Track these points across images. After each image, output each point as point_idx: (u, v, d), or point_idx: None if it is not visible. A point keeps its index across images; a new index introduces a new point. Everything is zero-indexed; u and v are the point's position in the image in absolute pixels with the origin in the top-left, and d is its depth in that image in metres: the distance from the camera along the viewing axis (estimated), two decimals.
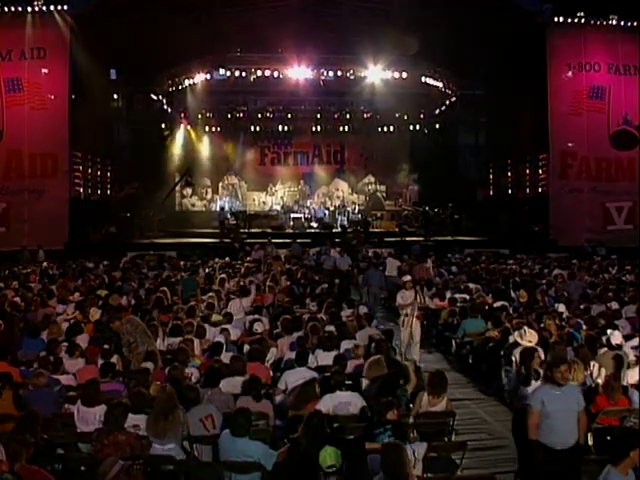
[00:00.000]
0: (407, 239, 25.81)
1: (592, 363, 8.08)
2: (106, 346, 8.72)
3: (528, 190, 28.11)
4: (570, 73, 24.74)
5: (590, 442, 6.92)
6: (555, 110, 24.64)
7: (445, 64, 27.56)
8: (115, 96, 28.50)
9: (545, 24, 23.89)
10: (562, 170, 24.97)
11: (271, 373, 8.38)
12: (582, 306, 11.71)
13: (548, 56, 24.31)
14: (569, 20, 24.27)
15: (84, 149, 25.33)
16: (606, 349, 8.47)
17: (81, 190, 25.73)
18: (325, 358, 8.55)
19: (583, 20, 24.45)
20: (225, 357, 8.37)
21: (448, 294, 13.77)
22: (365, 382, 7.61)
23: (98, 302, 11.93)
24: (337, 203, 31.67)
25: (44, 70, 23.15)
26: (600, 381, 7.74)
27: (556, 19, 24.03)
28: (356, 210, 30.86)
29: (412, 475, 5.16)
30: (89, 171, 26.73)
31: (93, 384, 6.94)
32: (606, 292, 13.10)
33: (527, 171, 28.29)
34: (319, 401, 6.85)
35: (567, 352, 8.49)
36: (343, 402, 6.93)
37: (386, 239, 25.86)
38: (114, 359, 8.48)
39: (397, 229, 27.82)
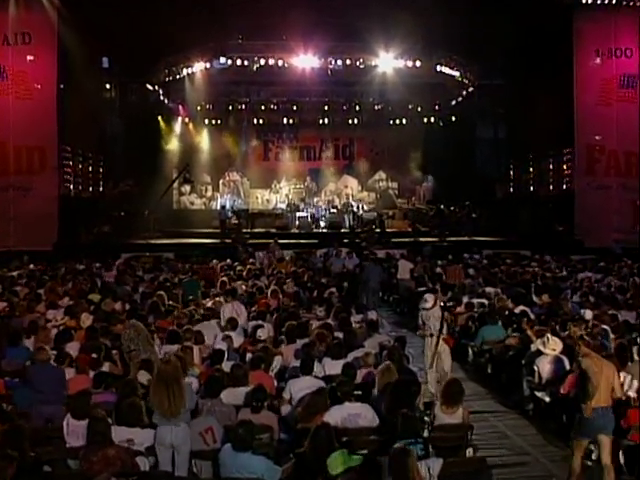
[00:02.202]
0: (421, 239, 25.80)
1: (622, 374, 8.03)
2: (94, 355, 8.73)
3: (551, 187, 28.01)
4: (598, 60, 24.52)
5: (621, 461, 6.89)
6: (581, 100, 24.47)
7: (462, 51, 27.44)
8: (107, 86, 28.51)
9: (571, 6, 23.74)
10: (588, 165, 24.83)
11: (275, 383, 8.39)
12: (610, 312, 11.66)
13: (574, 41, 24.14)
14: (598, 1, 23.95)
15: (74, 143, 25.35)
16: (638, 359, 8.44)
17: (71, 187, 25.76)
18: (333, 367, 8.55)
19: (614, 1, 24.12)
20: (226, 366, 8.38)
21: (465, 299, 13.77)
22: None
23: (90, 307, 11.96)
24: (346, 201, 31.62)
25: (30, 57, 23.07)
26: (632, 394, 7.70)
27: (584, 0, 23.77)
28: (365, 208, 30.82)
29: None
30: (80, 166, 26.76)
31: (84, 395, 6.95)
32: (638, 297, 13.05)
33: (550, 166, 28.18)
34: (331, 408, 6.86)
35: None
36: (352, 414, 6.93)
37: (398, 239, 25.82)
38: (106, 367, 8.50)
39: (410, 229, 27.80)
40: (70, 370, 8.51)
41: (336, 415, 6.85)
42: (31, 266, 18.92)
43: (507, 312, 12.22)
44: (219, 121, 32.23)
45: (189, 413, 6.54)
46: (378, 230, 27.23)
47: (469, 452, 7.05)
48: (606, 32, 24.35)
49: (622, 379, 7.92)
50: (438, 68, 27.23)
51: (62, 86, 23.36)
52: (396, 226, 29.26)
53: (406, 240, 25.76)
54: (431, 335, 10.35)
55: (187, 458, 6.49)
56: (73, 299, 13.07)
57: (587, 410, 6.81)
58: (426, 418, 7.18)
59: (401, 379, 7.33)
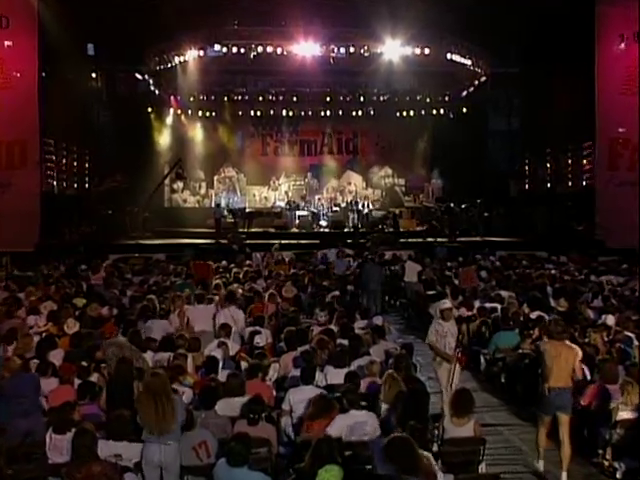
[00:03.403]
0: (429, 240, 25.81)
1: None
2: (84, 363, 8.73)
3: (570, 183, 28.00)
4: (623, 45, 24.32)
5: None
6: (603, 89, 24.33)
7: (474, 38, 27.38)
8: (93, 75, 28.55)
9: None
10: (611, 160, 24.75)
11: (274, 392, 8.40)
12: (634, 318, 11.64)
13: (596, 25, 23.98)
14: None
15: (58, 136, 25.38)
16: None
17: (54, 183, 25.80)
18: (336, 376, 8.55)
19: None
20: (222, 375, 8.37)
21: (477, 303, 13.74)
22: (384, 406, 7.59)
23: (75, 312, 11.95)
24: (349, 199, 31.62)
25: (7, 43, 23.06)
26: None
27: None
28: (370, 206, 30.82)
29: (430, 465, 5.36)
30: (64, 161, 26.80)
31: (67, 407, 6.95)
32: None
33: (569, 161, 28.18)
34: (336, 418, 6.87)
35: (618, 371, 8.46)
36: (359, 422, 6.99)
37: (404, 240, 25.84)
38: (94, 378, 8.49)
39: (423, 228, 27.86)
40: (53, 380, 8.49)
41: (342, 424, 6.90)
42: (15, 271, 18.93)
43: (522, 318, 12.20)
44: (213, 113, 32.23)
45: (179, 430, 6.52)
46: (391, 230, 27.22)
47: (482, 468, 7.05)
48: (631, 15, 24.12)
49: None
50: (448, 56, 27.14)
51: (44, 74, 23.36)
52: (403, 226, 29.25)
53: (412, 241, 25.78)
54: (447, 360, 9.64)
55: (177, 476, 6.50)
56: (56, 304, 13.05)
57: (545, 390, 7.97)
58: (435, 431, 7.17)
59: (414, 388, 7.34)
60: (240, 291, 14.38)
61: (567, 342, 8.48)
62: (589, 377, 8.97)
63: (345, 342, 9.82)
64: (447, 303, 10.41)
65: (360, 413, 7.12)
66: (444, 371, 9.62)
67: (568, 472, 7.89)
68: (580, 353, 8.32)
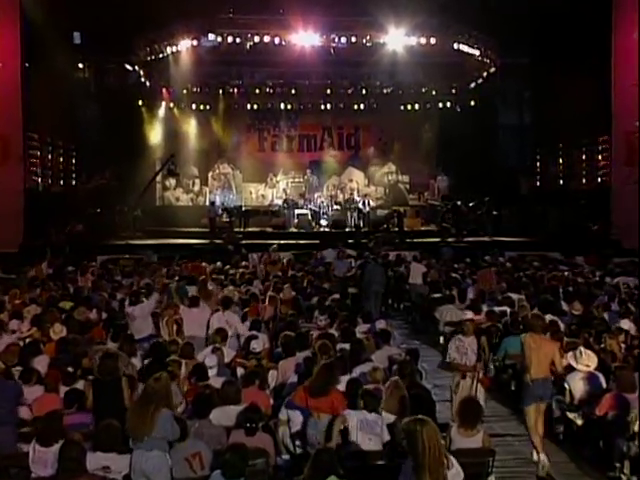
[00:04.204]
0: (434, 240, 25.81)
1: None
2: (70, 369, 8.70)
3: (584, 180, 28.02)
4: None
5: None
6: (620, 81, 24.25)
7: (482, 27, 27.40)
8: (80, 65, 28.56)
9: None
10: (628, 156, 24.68)
11: (271, 401, 8.39)
12: None
13: (613, 12, 23.97)
14: None
15: (42, 130, 25.38)
16: None
17: (39, 180, 25.81)
18: None
19: None
20: (217, 382, 8.37)
21: (484, 307, 13.73)
22: (385, 414, 7.59)
23: (61, 316, 11.92)
24: (350, 197, 31.61)
25: None
26: None
27: None
28: (372, 204, 30.82)
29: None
30: (49, 157, 26.83)
31: (53, 417, 6.92)
32: None
33: (583, 157, 28.20)
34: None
35: (635, 379, 8.45)
36: (370, 420, 7.15)
37: (412, 240, 25.86)
38: (80, 385, 8.47)
39: (428, 227, 27.83)
40: (38, 388, 8.47)
41: (354, 417, 7.10)
42: None
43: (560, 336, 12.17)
44: (208, 106, 32.24)
45: (166, 442, 6.48)
46: (396, 229, 27.22)
47: None
48: None
49: None
50: (455, 46, 27.14)
51: (27, 65, 23.32)
52: (408, 225, 29.26)
53: (417, 241, 25.79)
54: (463, 377, 9.32)
55: None
56: (41, 307, 13.03)
57: (529, 381, 8.63)
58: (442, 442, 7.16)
59: (417, 393, 7.36)
60: (236, 294, 14.38)
61: (547, 336, 9.34)
62: (605, 385, 8.95)
63: (346, 347, 9.80)
64: (468, 314, 10.18)
65: (371, 415, 7.24)
66: (461, 396, 8.94)
67: (544, 455, 8.48)
68: (558, 347, 9.04)
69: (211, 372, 8.86)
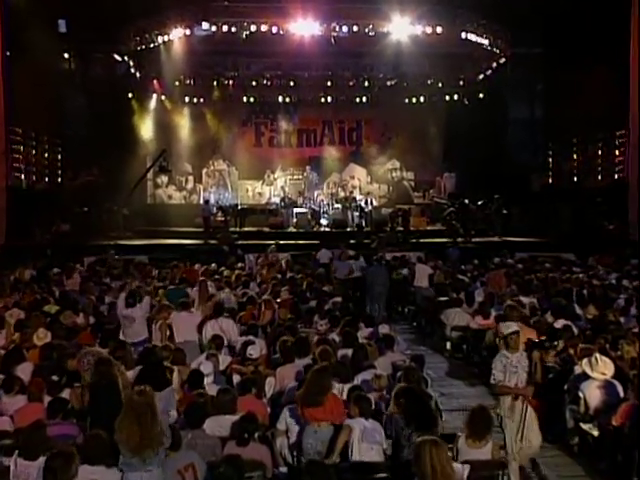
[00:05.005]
0: (440, 240, 25.82)
1: None
2: (55, 377, 8.68)
3: (600, 177, 28.06)
4: None
5: None
6: (639, 71, 24.28)
7: (492, 14, 27.41)
8: (66, 55, 28.57)
9: None
10: None
11: (269, 410, 8.39)
12: None
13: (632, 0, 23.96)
14: None
15: (26, 124, 25.38)
16: None
17: (22, 177, 25.82)
18: (338, 392, 8.52)
19: None
20: (213, 390, 8.35)
21: (493, 311, 13.74)
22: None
23: (45, 321, 11.90)
24: (352, 195, 31.64)
25: None
26: None
27: None
28: (375, 203, 30.84)
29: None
30: (33, 152, 26.83)
31: (37, 429, 6.88)
32: None
33: (599, 152, 28.23)
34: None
35: None
36: (370, 428, 7.21)
37: (418, 240, 25.88)
38: (65, 394, 8.44)
39: (435, 227, 27.82)
40: (20, 398, 8.44)
41: (356, 427, 7.15)
42: None
43: (545, 327, 12.16)
44: (201, 99, 32.32)
45: (163, 454, 6.48)
46: (401, 229, 27.22)
47: None
48: None
49: None
50: (463, 35, 27.09)
51: (8, 54, 23.28)
52: (412, 224, 29.26)
53: (422, 241, 25.82)
54: (515, 398, 8.33)
55: None
56: (25, 311, 13.01)
57: None
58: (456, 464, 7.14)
59: (420, 402, 7.37)
60: (233, 297, 14.39)
61: (523, 324, 10.35)
62: (622, 394, 8.94)
63: (348, 353, 9.80)
64: (513, 326, 8.74)
65: (370, 421, 7.29)
66: (511, 421, 8.31)
67: None
68: (535, 334, 10.44)
69: (207, 379, 8.86)
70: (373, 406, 7.92)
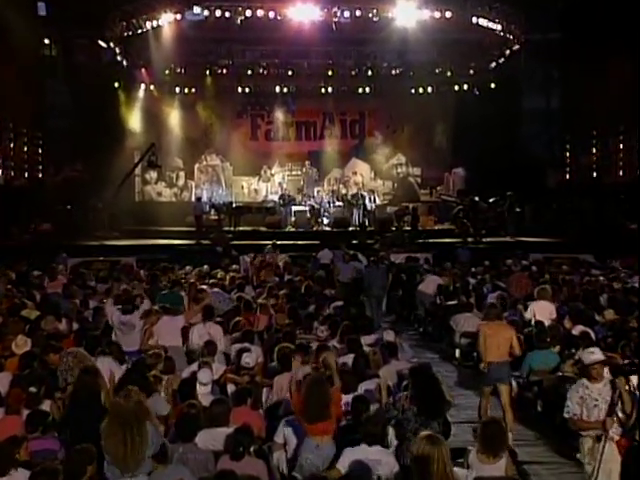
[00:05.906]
0: (448, 240, 25.86)
1: None
2: (33, 389, 8.66)
3: (621, 173, 28.07)
4: None
5: None
6: None
7: None
8: (46, 41, 28.55)
9: None
10: None
11: (265, 422, 8.39)
12: None
13: None
14: None
15: (3, 115, 25.36)
16: None
17: (0, 173, 25.76)
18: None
19: None
20: (208, 400, 8.32)
21: (506, 315, 13.72)
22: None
23: (25, 327, 11.88)
24: (355, 191, 31.64)
25: None
26: None
27: None
28: (379, 201, 30.84)
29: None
30: (11, 146, 26.83)
31: (13, 443, 6.88)
32: None
33: (620, 146, 28.26)
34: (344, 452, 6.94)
35: None
36: (371, 460, 6.94)
37: (425, 240, 25.91)
38: (46, 406, 8.43)
39: (443, 226, 27.85)
40: None
41: (350, 459, 6.88)
42: None
43: (562, 333, 12.17)
44: (193, 89, 32.33)
45: (150, 461, 6.49)
46: (408, 228, 27.22)
47: None
48: None
49: None
50: (474, 20, 27.07)
51: None
52: (420, 223, 29.27)
53: (430, 241, 25.86)
54: (598, 438, 7.58)
55: None
56: (2, 317, 12.98)
57: (482, 365, 10.83)
58: (459, 469, 7.12)
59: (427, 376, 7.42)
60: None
61: (503, 322, 11.42)
62: None
63: (348, 361, 9.79)
64: (596, 353, 7.99)
65: (373, 450, 7.05)
66: (590, 459, 7.73)
67: (512, 433, 9.69)
68: (515, 332, 10.89)
69: (203, 389, 8.86)
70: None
